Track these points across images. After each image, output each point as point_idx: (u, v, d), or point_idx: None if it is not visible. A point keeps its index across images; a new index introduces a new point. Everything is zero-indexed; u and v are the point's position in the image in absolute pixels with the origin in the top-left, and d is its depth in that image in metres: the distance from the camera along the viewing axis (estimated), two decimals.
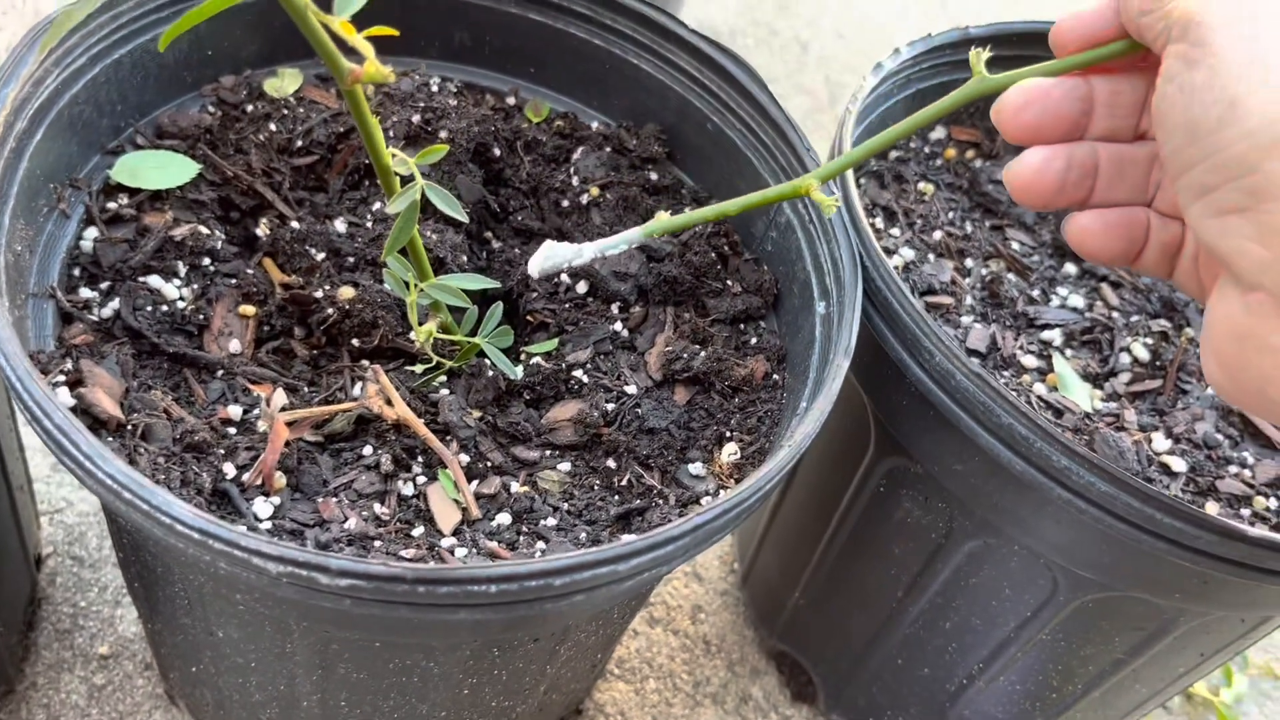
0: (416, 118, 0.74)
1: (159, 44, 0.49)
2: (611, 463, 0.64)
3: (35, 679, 0.83)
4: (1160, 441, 0.72)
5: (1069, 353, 0.77)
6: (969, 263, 0.80)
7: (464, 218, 0.59)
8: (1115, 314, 0.80)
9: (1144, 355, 0.77)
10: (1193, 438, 0.73)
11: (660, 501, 0.63)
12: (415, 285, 0.62)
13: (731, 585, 1.01)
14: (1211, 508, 0.69)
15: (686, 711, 0.92)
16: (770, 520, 0.92)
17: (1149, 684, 0.78)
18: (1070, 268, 0.83)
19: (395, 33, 0.51)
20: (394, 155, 0.57)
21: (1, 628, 0.76)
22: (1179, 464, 0.71)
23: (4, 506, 0.74)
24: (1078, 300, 0.80)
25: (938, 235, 0.81)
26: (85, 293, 0.64)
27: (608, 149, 0.79)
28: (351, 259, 0.69)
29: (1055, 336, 0.77)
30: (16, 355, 0.49)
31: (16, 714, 0.81)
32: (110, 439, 0.56)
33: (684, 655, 0.96)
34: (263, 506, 0.57)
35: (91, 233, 0.66)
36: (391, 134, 0.72)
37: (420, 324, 0.64)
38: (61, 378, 0.58)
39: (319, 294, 0.66)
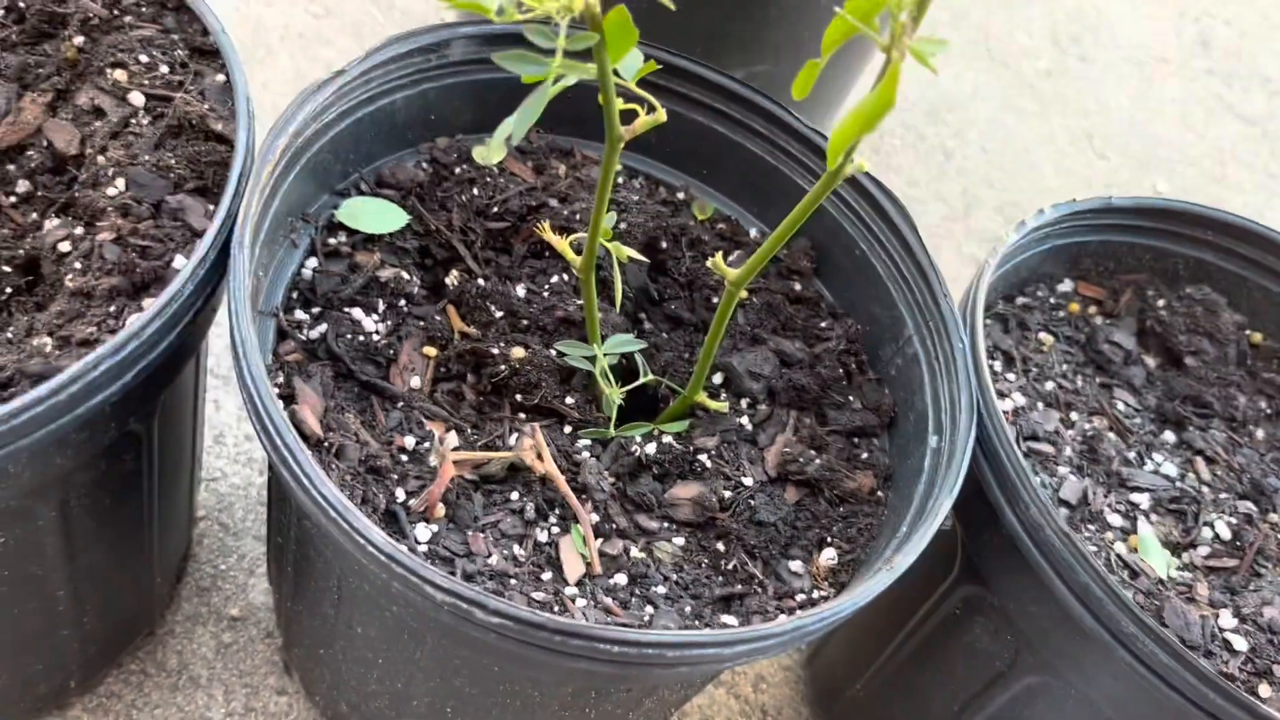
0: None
1: (458, 118, 0.58)
2: (721, 546, 0.72)
3: (174, 627, 0.94)
4: (1227, 619, 0.77)
5: (1154, 518, 0.82)
6: (1074, 416, 0.86)
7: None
8: (1205, 488, 0.85)
9: (1226, 534, 0.82)
10: (1259, 620, 0.78)
11: (759, 590, 0.70)
12: (602, 352, 0.72)
13: (795, 663, 1.08)
14: (1265, 690, 0.74)
15: None
16: None
17: None
18: (1169, 435, 0.88)
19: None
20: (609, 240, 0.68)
21: (159, 577, 0.87)
22: (1241, 643, 0.75)
23: (188, 477, 0.85)
24: (1171, 469, 0.85)
25: (1049, 385, 0.87)
26: (299, 314, 0.74)
27: None
28: (525, 321, 0.78)
29: (1144, 500, 0.82)
30: (262, 381, 0.58)
31: (154, 656, 0.92)
32: (313, 453, 0.65)
33: (741, 719, 1.03)
34: (423, 531, 0.66)
35: (312, 263, 0.76)
36: (579, 219, 0.82)
37: (574, 388, 0.74)
38: (276, 389, 0.68)
39: (495, 350, 0.75)
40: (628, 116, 0.63)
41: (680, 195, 0.91)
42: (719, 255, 0.69)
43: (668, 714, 0.84)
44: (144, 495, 0.75)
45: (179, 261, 0.63)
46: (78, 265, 0.63)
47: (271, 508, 0.81)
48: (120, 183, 0.67)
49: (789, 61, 1.36)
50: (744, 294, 0.85)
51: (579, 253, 0.71)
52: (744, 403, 0.80)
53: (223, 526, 1.01)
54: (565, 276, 0.81)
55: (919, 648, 0.86)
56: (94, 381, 0.56)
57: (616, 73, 0.60)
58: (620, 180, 0.88)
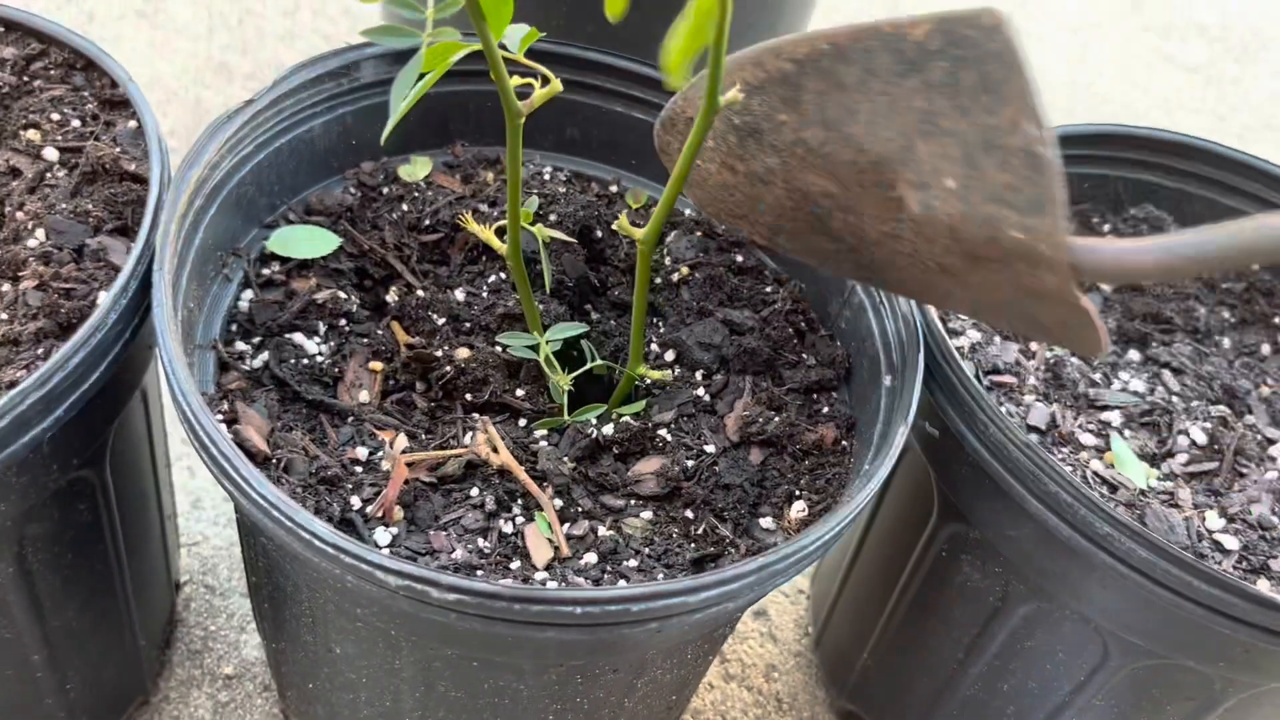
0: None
1: (381, 139, 0.60)
2: (689, 513, 0.71)
3: (168, 693, 0.92)
4: (1214, 520, 0.76)
5: (1128, 434, 0.81)
6: (1034, 346, 0.86)
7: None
8: (1175, 399, 0.84)
9: (1202, 439, 0.81)
10: (1247, 518, 0.77)
11: (732, 550, 0.69)
12: (544, 340, 0.71)
13: (805, 647, 1.06)
14: (1263, 585, 0.72)
15: None
16: (842, 584, 0.97)
17: None
18: (1134, 354, 0.88)
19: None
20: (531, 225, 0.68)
21: (144, 641, 0.86)
22: (1232, 542, 0.74)
23: (157, 534, 0.84)
24: (1139, 385, 0.85)
25: None
26: (240, 345, 0.74)
27: (698, 233, 0.87)
28: (468, 324, 0.78)
29: (1115, 418, 0.82)
30: (193, 395, 0.58)
31: None
32: (258, 470, 0.65)
33: (757, 711, 1.01)
34: (382, 535, 0.66)
35: (248, 295, 0.76)
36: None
37: (524, 381, 0.73)
38: (220, 416, 0.67)
39: (439, 353, 0.75)
40: (524, 94, 0.64)
41: (613, 188, 0.91)
42: (623, 217, 0.68)
43: (669, 702, 0.82)
44: (109, 550, 0.74)
45: (103, 298, 0.64)
46: (3, 316, 0.63)
47: (243, 547, 0.81)
48: (40, 233, 0.67)
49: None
50: (686, 271, 0.85)
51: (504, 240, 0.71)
52: (699, 375, 0.80)
53: (209, 588, 1.00)
54: (503, 275, 0.81)
55: (915, 601, 0.85)
56: (22, 416, 0.56)
57: (504, 46, 0.61)
58: (546, 176, 0.88)
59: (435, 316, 0.78)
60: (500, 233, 0.74)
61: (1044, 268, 0.56)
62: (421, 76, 0.57)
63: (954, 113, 0.54)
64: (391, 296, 0.80)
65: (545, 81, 0.63)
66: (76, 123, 0.74)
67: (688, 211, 0.89)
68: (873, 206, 0.62)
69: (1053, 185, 0.53)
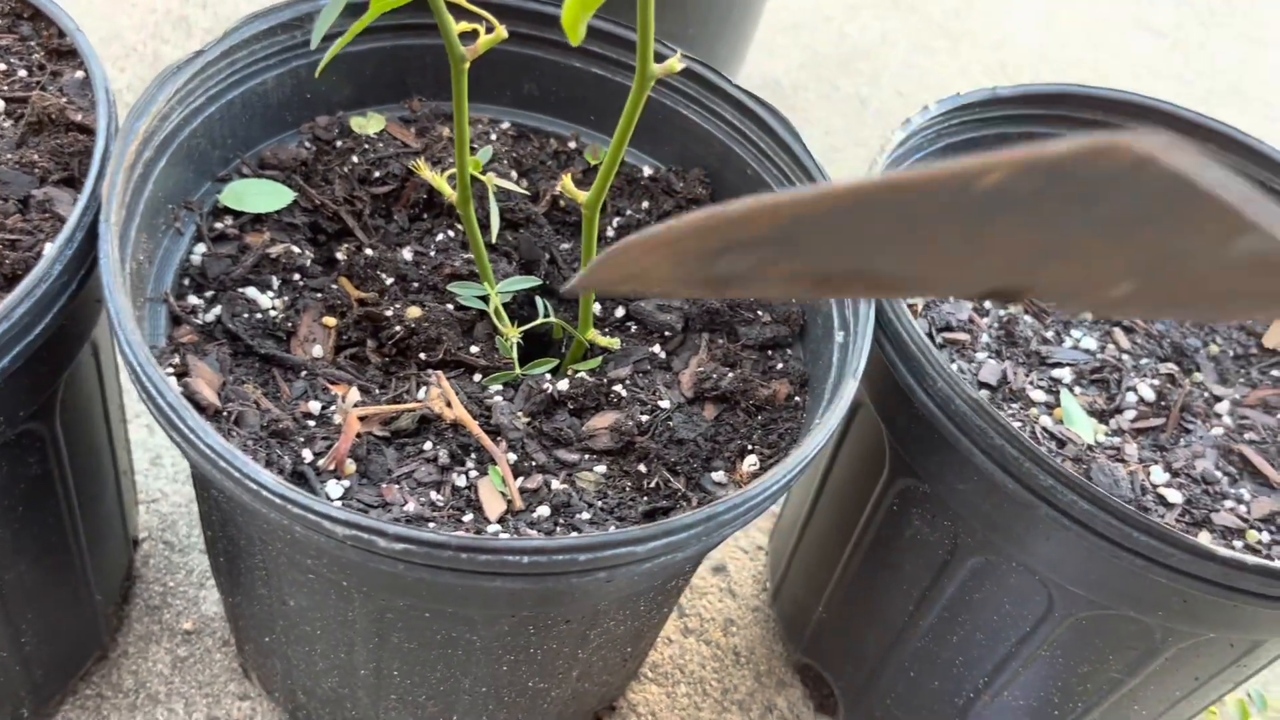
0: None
1: (315, 72, 0.60)
2: (642, 467, 0.72)
3: (127, 648, 0.93)
4: (1158, 474, 0.77)
5: (1077, 390, 0.82)
6: (987, 304, 0.87)
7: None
8: (1125, 356, 0.86)
9: (1150, 395, 0.82)
10: (1191, 473, 0.78)
11: (684, 503, 0.70)
12: (495, 291, 0.71)
13: (763, 603, 1.08)
14: (1205, 538, 0.74)
15: (714, 716, 0.98)
16: (798, 540, 0.98)
17: (1148, 707, 0.82)
18: (1086, 314, 0.89)
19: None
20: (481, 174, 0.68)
21: (101, 597, 0.86)
22: (1175, 496, 0.76)
23: (111, 489, 0.84)
24: (1090, 343, 0.86)
25: None
26: (192, 299, 0.73)
27: (655, 192, 0.87)
28: (416, 284, 0.78)
29: (1065, 375, 0.83)
30: (139, 346, 0.58)
31: (108, 678, 0.91)
32: (208, 422, 0.65)
33: (714, 664, 1.02)
34: (334, 488, 0.66)
35: (200, 248, 0.75)
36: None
37: (478, 339, 0.73)
38: (170, 369, 0.67)
39: (389, 313, 0.75)
40: (470, 39, 0.64)
41: (571, 144, 0.91)
42: (567, 178, 0.69)
43: (624, 655, 0.83)
44: (60, 504, 0.74)
45: (49, 249, 0.63)
46: None
47: (199, 501, 0.81)
48: None
49: (698, 24, 1.37)
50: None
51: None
52: (655, 334, 0.80)
53: (167, 545, 1.00)
54: (450, 234, 0.81)
55: (867, 555, 0.86)
56: None
57: None
58: (501, 139, 0.88)
59: (384, 276, 0.78)
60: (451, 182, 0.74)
61: None
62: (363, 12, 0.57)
63: (1098, 240, 0.37)
64: (341, 255, 0.80)
65: (491, 29, 0.63)
66: (23, 72, 0.73)
67: (646, 170, 0.89)
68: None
69: None
